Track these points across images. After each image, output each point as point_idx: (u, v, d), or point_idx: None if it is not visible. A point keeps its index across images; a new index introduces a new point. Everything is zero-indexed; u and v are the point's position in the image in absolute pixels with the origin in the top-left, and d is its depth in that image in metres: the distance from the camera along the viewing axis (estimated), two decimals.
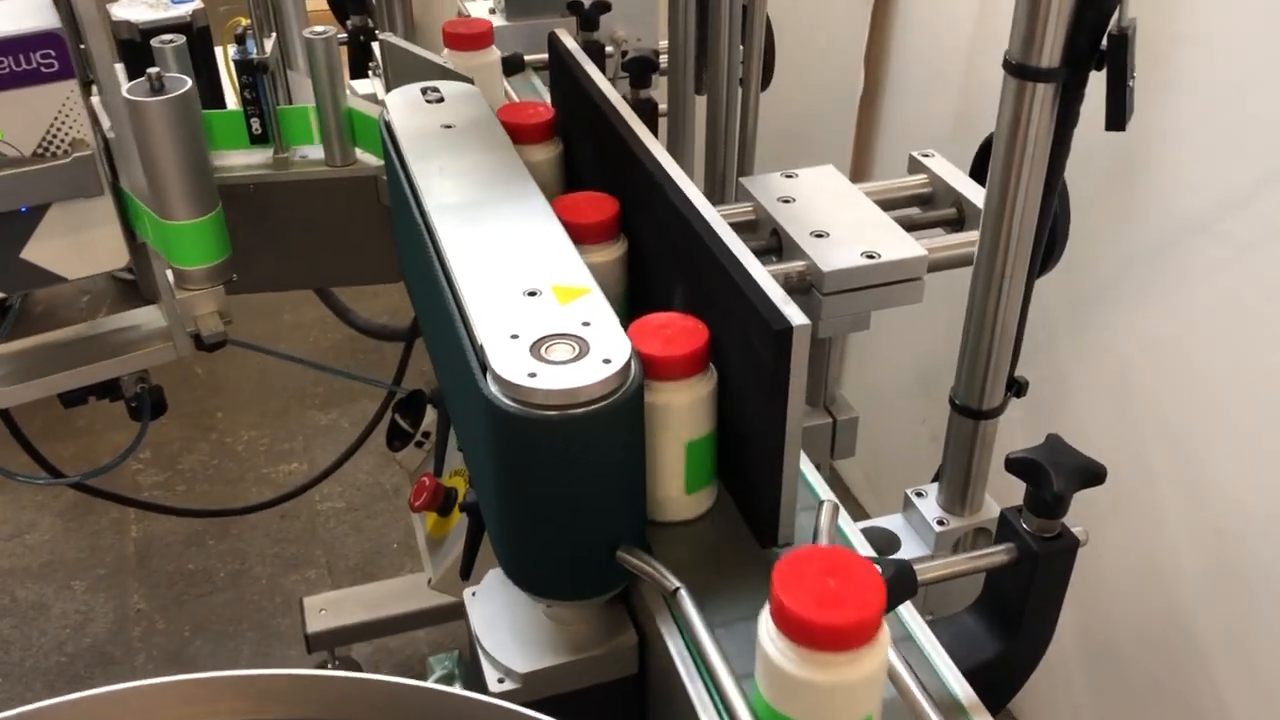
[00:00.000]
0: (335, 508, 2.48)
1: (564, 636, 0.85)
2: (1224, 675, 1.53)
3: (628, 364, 0.75)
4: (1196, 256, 1.45)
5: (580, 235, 0.97)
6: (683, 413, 0.82)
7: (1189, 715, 1.60)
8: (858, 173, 2.18)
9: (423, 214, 0.93)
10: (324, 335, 2.93)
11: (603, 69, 1.45)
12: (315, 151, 1.39)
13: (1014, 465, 0.74)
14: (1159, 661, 1.64)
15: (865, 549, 0.84)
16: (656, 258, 0.97)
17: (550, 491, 0.76)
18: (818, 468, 1.11)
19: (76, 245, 1.18)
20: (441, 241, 0.88)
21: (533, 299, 0.81)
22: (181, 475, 2.58)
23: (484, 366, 0.75)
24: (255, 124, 1.34)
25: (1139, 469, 1.61)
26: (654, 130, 1.39)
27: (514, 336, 0.77)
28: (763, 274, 0.80)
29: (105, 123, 1.18)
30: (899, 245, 1.00)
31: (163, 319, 1.29)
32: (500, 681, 0.83)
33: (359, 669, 2.10)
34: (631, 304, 1.03)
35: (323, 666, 2.14)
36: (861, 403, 1.14)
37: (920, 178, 1.13)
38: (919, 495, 0.98)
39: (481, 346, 0.76)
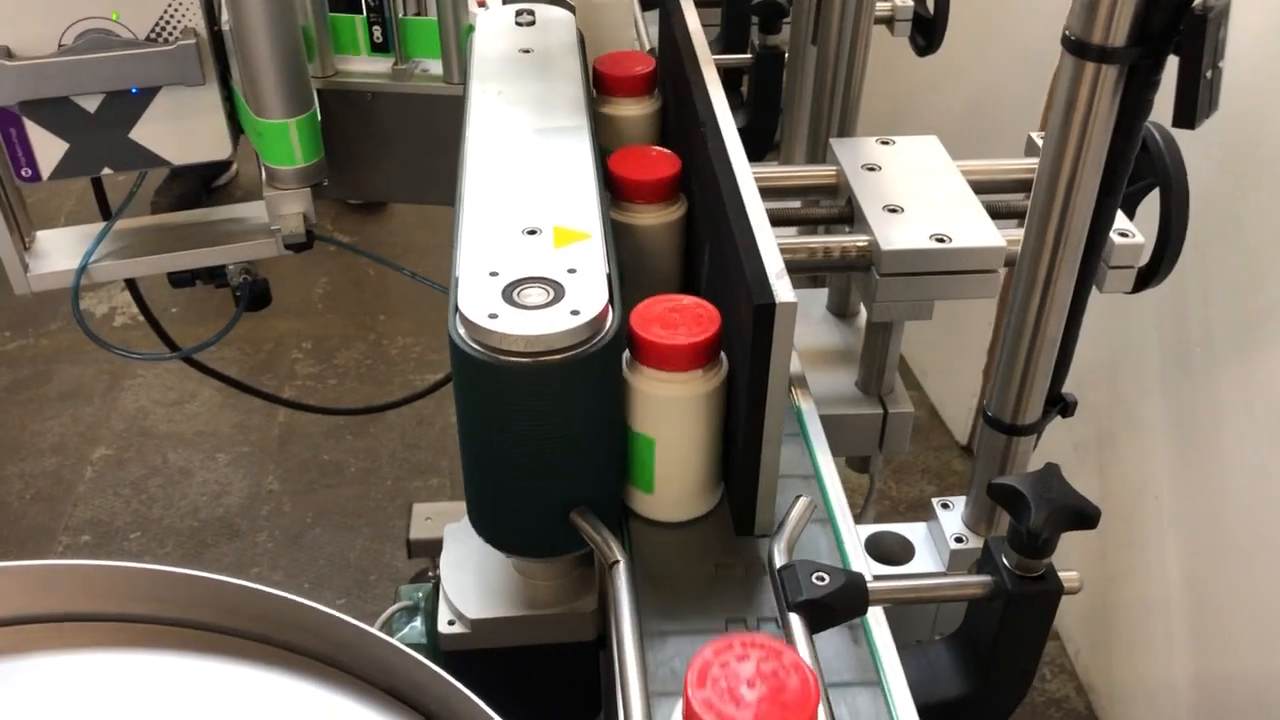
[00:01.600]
0: None
1: (523, 590, 0.82)
2: None
3: (599, 318, 0.70)
4: None
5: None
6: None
7: None
8: None
9: (462, 137, 0.90)
10: None
11: (748, 15, 1.39)
12: (438, 65, 1.38)
13: (995, 490, 0.65)
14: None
15: (856, 552, 0.77)
16: (701, 218, 0.91)
17: (505, 440, 0.72)
18: (866, 461, 1.04)
19: (182, 131, 1.21)
20: (466, 167, 0.85)
21: (529, 238, 0.77)
22: (335, 370, 2.68)
23: (455, 302, 0.72)
24: (377, 31, 1.34)
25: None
26: (777, 83, 1.31)
27: (493, 274, 0.73)
28: (770, 244, 0.73)
29: (225, 15, 1.20)
30: (975, 231, 0.91)
31: (265, 214, 1.32)
32: (450, 624, 0.81)
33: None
34: (689, 270, 0.98)
35: (423, 574, 2.20)
36: None
37: (1032, 161, 1.02)
38: (945, 507, 0.89)
39: (457, 280, 0.73)
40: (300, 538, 2.27)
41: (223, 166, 2.96)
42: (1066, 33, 0.65)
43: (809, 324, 1.11)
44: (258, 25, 1.11)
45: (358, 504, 2.34)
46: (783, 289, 0.68)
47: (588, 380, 0.71)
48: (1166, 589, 1.70)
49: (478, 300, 0.71)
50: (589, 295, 0.71)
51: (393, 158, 1.41)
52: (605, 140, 1.00)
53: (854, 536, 0.79)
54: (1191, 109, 0.63)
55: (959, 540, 0.87)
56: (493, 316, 0.69)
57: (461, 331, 0.70)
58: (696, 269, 0.97)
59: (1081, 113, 0.67)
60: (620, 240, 0.87)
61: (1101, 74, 0.65)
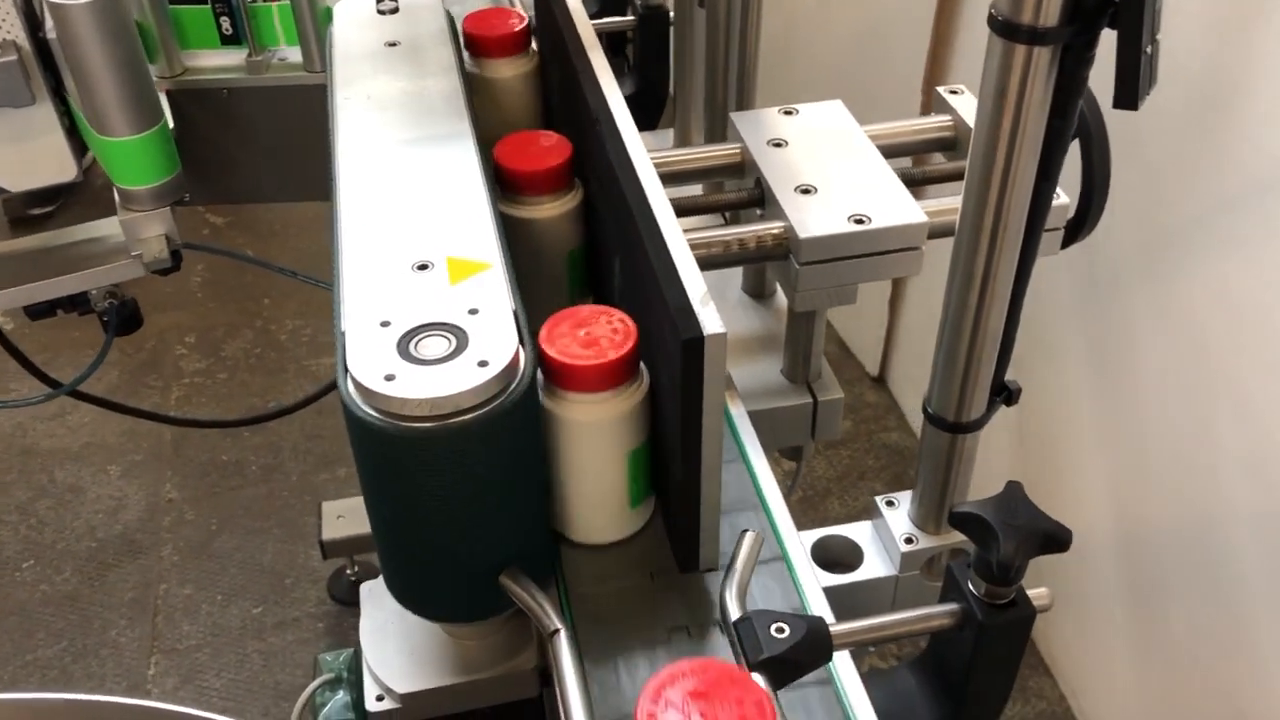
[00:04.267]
0: None
1: (456, 653, 0.75)
2: (1271, 660, 1.38)
3: (510, 367, 0.63)
4: None
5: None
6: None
7: (1229, 704, 1.46)
8: (934, 77, 1.97)
9: (333, 154, 0.81)
10: None
11: None
12: (297, 53, 1.28)
13: (958, 519, 0.61)
14: (1204, 637, 1.50)
15: (806, 571, 0.72)
16: (605, 214, 0.84)
17: (416, 510, 0.65)
18: (798, 450, 0.99)
19: (16, 156, 1.10)
20: (339, 194, 0.77)
21: (421, 274, 0.69)
22: (224, 362, 2.55)
23: (344, 362, 0.64)
24: (225, 23, 1.22)
25: (1202, 430, 1.44)
26: (664, 46, 1.24)
27: (384, 324, 0.66)
28: (691, 268, 0.66)
29: (49, 23, 1.08)
30: (894, 208, 0.85)
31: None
32: (379, 699, 0.74)
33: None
34: (592, 259, 0.91)
35: (341, 573, 2.12)
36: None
37: (943, 119, 0.97)
38: (890, 505, 0.85)
39: (343, 334, 0.65)
40: (207, 546, 2.16)
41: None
42: (993, 13, 0.59)
43: (725, 309, 1.05)
44: (87, 34, 0.99)
45: (264, 504, 2.24)
46: (709, 318, 0.62)
47: (504, 437, 0.64)
48: (1093, 507, 1.71)
49: (370, 358, 0.63)
50: (496, 340, 0.64)
51: (257, 156, 1.30)
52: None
53: (804, 558, 0.74)
54: (1134, 88, 0.57)
55: (909, 541, 0.83)
56: (389, 378, 0.62)
57: (355, 396, 0.63)
58: (598, 268, 0.90)
59: (1014, 99, 0.61)
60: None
61: (1034, 56, 0.59)
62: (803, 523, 2.13)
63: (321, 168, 1.35)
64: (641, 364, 0.71)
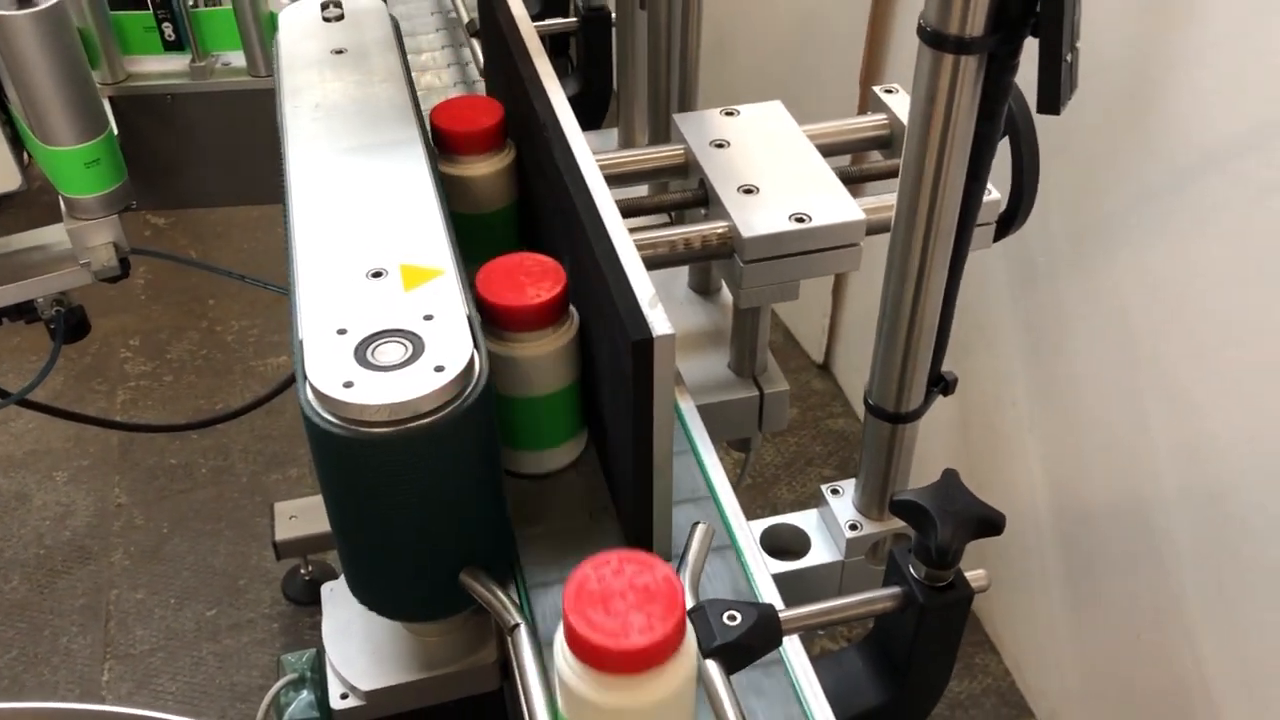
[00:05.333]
0: None
1: (417, 650, 0.77)
2: (1204, 631, 1.44)
3: (466, 371, 0.65)
4: (1210, 196, 1.30)
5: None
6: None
7: (1162, 668, 1.52)
8: (870, 74, 2.01)
9: (283, 164, 0.83)
10: None
11: None
12: (241, 58, 1.28)
13: (898, 507, 0.64)
14: (1142, 616, 1.56)
15: (756, 560, 0.75)
16: (553, 215, 0.86)
17: (376, 513, 0.67)
18: (746, 442, 1.02)
19: None
20: (292, 203, 0.78)
21: (375, 282, 0.71)
22: (169, 365, 2.53)
23: (303, 370, 0.66)
24: (168, 28, 1.22)
25: (1133, 413, 1.50)
26: (607, 47, 1.26)
27: (340, 331, 0.67)
28: (639, 271, 0.69)
29: None
30: (834, 207, 0.88)
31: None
32: (343, 697, 0.76)
33: (335, 576, 2.07)
34: (527, 222, 0.94)
35: (295, 572, 2.12)
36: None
37: (879, 118, 1.00)
38: (835, 493, 0.88)
39: (301, 343, 0.67)
40: (158, 550, 2.15)
41: None
42: (922, 24, 0.62)
43: (673, 305, 1.08)
44: (30, 44, 0.99)
45: (215, 506, 2.23)
46: (658, 320, 0.64)
47: (461, 439, 0.66)
48: (1031, 488, 1.76)
49: (328, 366, 0.65)
50: (451, 345, 0.66)
51: (202, 162, 1.31)
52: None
53: (754, 546, 0.77)
54: (1055, 94, 0.61)
55: (854, 527, 0.86)
56: (348, 385, 0.64)
57: (314, 404, 0.64)
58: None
59: (943, 105, 0.64)
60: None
61: (961, 65, 0.62)
62: (752, 509, 2.18)
63: (267, 171, 1.35)
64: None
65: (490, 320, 0.75)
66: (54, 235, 1.24)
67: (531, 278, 0.76)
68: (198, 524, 2.20)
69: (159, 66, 1.26)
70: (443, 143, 0.90)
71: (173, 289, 2.72)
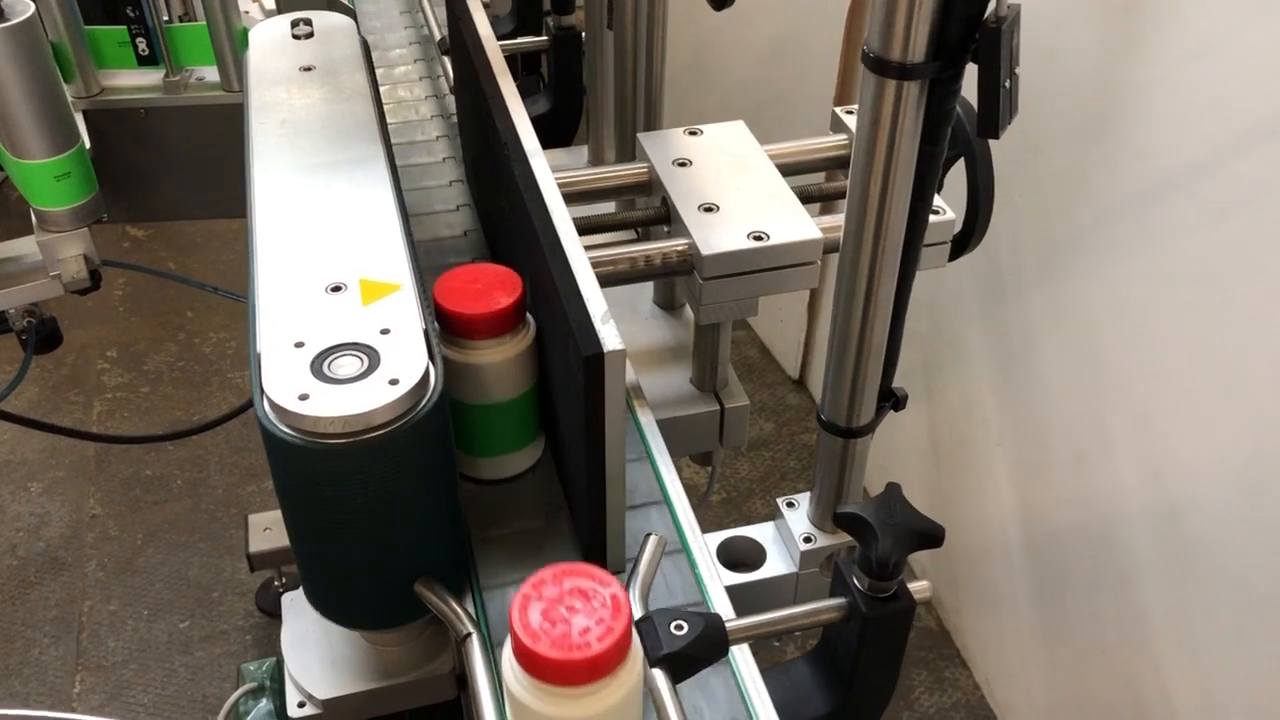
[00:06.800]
0: None
1: (375, 659, 0.78)
2: (1166, 648, 1.46)
3: (421, 383, 0.66)
4: (1169, 218, 1.32)
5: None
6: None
7: (1126, 683, 1.54)
8: (844, 95, 2.04)
9: (249, 178, 0.84)
10: None
11: None
12: (214, 73, 1.29)
13: (841, 520, 0.65)
14: (1106, 631, 1.57)
15: (709, 569, 0.77)
16: (516, 239, 0.88)
17: (332, 523, 0.68)
18: (708, 455, 1.04)
19: None
20: (255, 217, 0.79)
21: (334, 296, 0.72)
22: (146, 376, 2.54)
23: (259, 383, 0.67)
24: (141, 44, 1.24)
25: (1097, 430, 1.52)
26: (577, 67, 1.27)
27: (298, 344, 0.68)
28: (592, 287, 0.70)
29: None
30: (791, 225, 0.90)
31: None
32: (300, 705, 0.77)
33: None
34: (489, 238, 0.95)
35: (269, 584, 2.12)
36: None
37: (840, 138, 1.02)
38: (790, 506, 0.90)
39: (259, 355, 0.68)
40: (132, 562, 2.16)
41: None
42: (866, 50, 0.64)
43: (637, 320, 1.09)
44: (3, 62, 1.00)
45: (189, 518, 2.23)
46: (609, 335, 0.66)
47: (415, 451, 0.67)
48: (1000, 505, 1.78)
49: (284, 378, 0.66)
50: (406, 359, 0.67)
51: (175, 175, 1.32)
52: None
53: (707, 557, 0.78)
54: (995, 119, 0.62)
55: (808, 540, 0.88)
56: (303, 398, 0.65)
57: (271, 415, 0.66)
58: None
59: (887, 128, 0.66)
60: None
61: (904, 90, 0.64)
62: (726, 522, 2.18)
63: (240, 184, 1.36)
64: (529, 316, 0.79)
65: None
66: (25, 247, 1.25)
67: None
68: (172, 536, 2.20)
69: (133, 81, 1.27)
70: (450, 325, 0.76)
71: (151, 301, 2.72)
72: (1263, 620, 1.29)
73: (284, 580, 2.06)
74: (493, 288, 0.77)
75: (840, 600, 0.67)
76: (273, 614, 2.05)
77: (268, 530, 2.00)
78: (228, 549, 2.17)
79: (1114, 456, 1.49)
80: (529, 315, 0.79)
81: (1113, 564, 1.53)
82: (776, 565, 0.88)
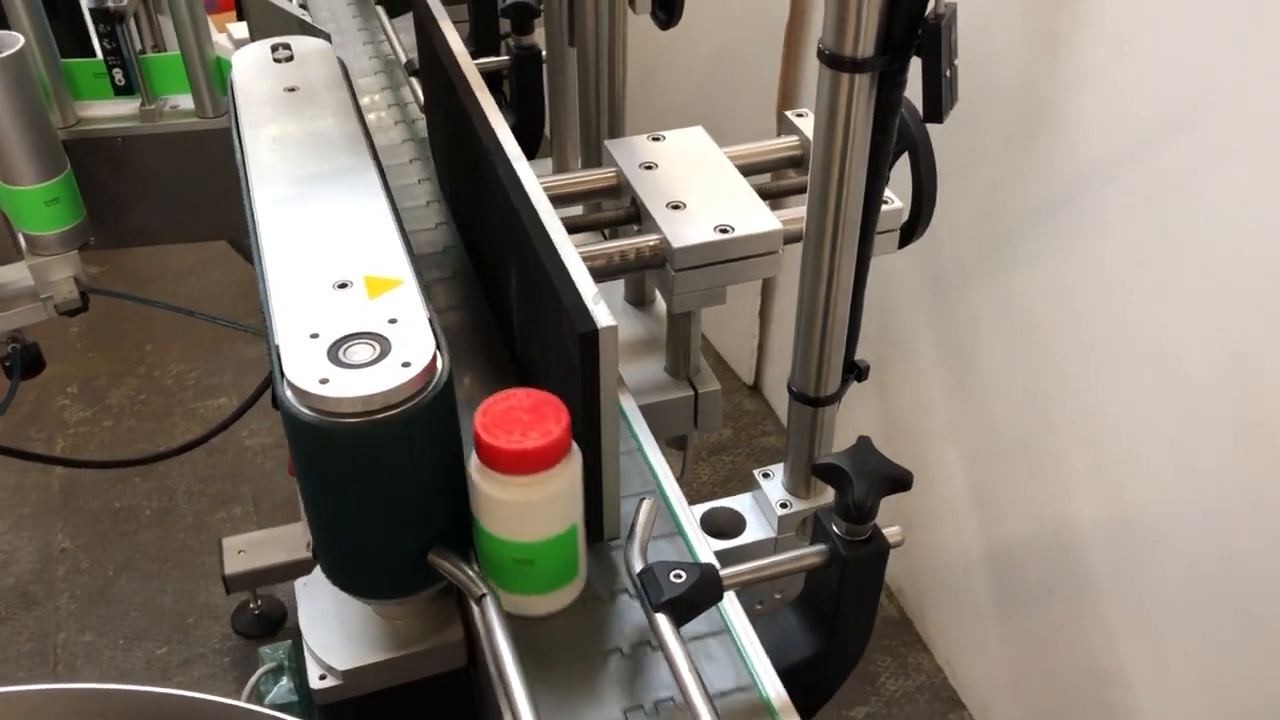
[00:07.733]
0: (263, 443, 2.47)
1: (389, 632, 0.83)
2: (1116, 618, 1.54)
3: (430, 365, 0.72)
4: (1100, 207, 1.42)
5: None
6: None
7: (1081, 654, 1.62)
8: (786, 101, 2.12)
9: (248, 191, 0.89)
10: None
11: (495, 16, 1.40)
12: (189, 101, 1.34)
13: (820, 470, 0.72)
14: (1061, 609, 1.65)
15: (698, 538, 0.83)
16: (500, 236, 0.94)
17: (351, 499, 0.74)
18: (684, 439, 1.10)
19: None
20: (259, 225, 0.85)
21: (342, 292, 0.78)
22: (109, 410, 2.55)
23: (281, 370, 0.72)
24: (118, 74, 1.28)
25: (1042, 417, 1.60)
26: (539, 84, 1.34)
27: (314, 335, 0.74)
28: (582, 272, 0.77)
29: None
30: (754, 219, 0.97)
31: (31, 277, 1.26)
32: (322, 678, 0.82)
33: (284, 610, 2.11)
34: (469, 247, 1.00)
35: (244, 607, 2.15)
36: None
37: (791, 140, 1.09)
38: (766, 476, 0.96)
39: (278, 347, 0.73)
40: (105, 592, 2.17)
41: None
42: (821, 48, 0.71)
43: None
44: None
45: (161, 547, 2.25)
46: (601, 314, 0.72)
47: (428, 428, 0.73)
48: (954, 496, 1.86)
49: (304, 366, 0.71)
50: (415, 344, 0.73)
51: (153, 201, 1.36)
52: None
53: (695, 527, 0.85)
54: (938, 105, 0.70)
55: (784, 506, 0.95)
56: (324, 381, 0.70)
57: (293, 399, 0.71)
58: (493, 284, 1.00)
59: (842, 118, 0.73)
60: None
61: (856, 82, 0.71)
62: None
63: (217, 208, 1.41)
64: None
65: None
66: (11, 274, 1.29)
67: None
68: (144, 564, 2.22)
69: (110, 110, 1.31)
70: (494, 460, 0.72)
71: (109, 335, 2.74)
72: (1208, 590, 1.37)
73: (259, 602, 2.09)
74: (534, 416, 0.71)
75: (821, 547, 0.74)
76: (249, 635, 2.08)
77: (242, 552, 2.03)
78: (201, 574, 2.20)
79: (1060, 442, 1.58)
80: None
81: (1063, 545, 1.62)
82: (756, 531, 0.95)
